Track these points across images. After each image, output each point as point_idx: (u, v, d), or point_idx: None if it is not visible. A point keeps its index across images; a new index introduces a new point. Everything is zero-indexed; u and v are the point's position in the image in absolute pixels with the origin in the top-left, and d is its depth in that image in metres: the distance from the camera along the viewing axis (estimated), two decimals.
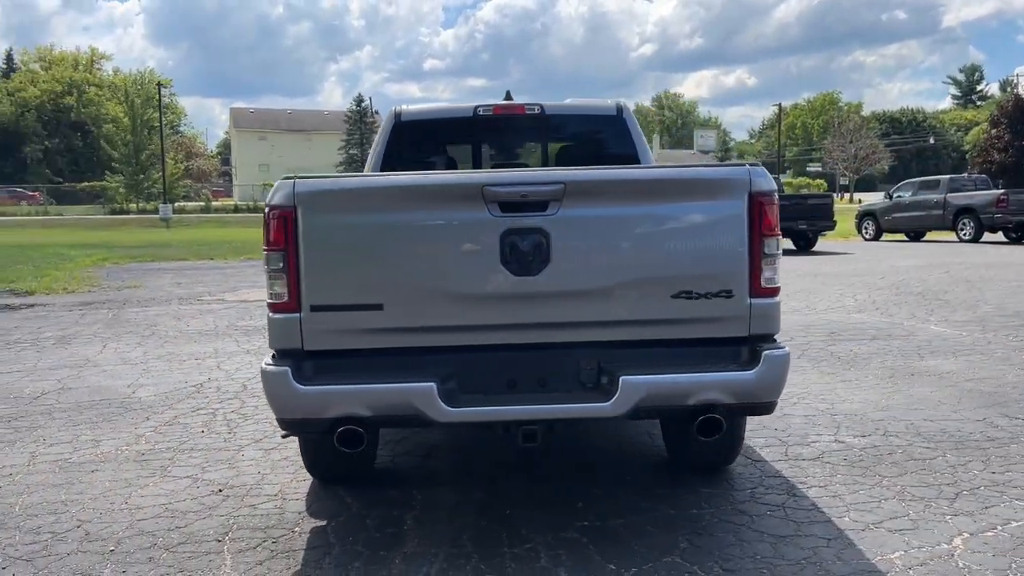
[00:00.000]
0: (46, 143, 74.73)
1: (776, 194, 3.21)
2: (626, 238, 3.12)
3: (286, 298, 3.10)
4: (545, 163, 5.37)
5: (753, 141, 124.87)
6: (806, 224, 20.22)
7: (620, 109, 5.15)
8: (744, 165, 3.18)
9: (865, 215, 26.12)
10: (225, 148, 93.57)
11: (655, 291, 3.13)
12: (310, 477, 4.12)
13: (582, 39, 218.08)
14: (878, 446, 4.50)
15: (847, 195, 68.27)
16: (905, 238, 24.88)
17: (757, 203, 3.13)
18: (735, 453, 4.00)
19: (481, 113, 5.13)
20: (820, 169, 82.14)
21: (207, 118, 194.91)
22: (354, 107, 70.91)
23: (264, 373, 3.08)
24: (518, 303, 3.11)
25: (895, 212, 24.57)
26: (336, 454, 3.93)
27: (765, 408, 3.25)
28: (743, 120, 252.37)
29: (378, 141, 5.15)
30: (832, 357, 6.97)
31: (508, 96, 5.39)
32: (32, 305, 12.02)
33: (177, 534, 3.51)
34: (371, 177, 3.18)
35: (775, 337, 3.27)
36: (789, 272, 14.50)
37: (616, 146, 5.15)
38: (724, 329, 3.18)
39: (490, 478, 4.23)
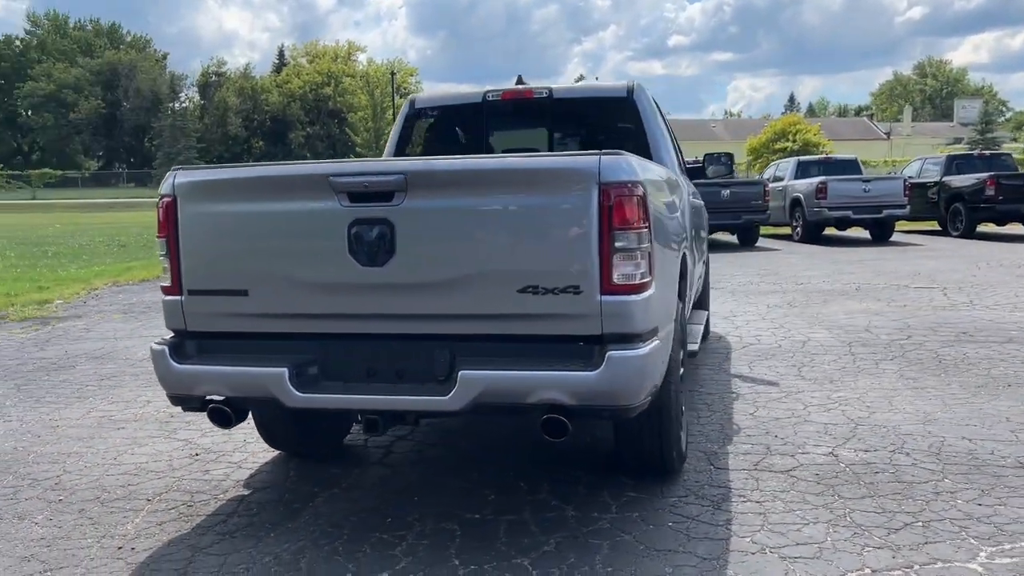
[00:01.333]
0: (308, 130, 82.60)
1: (638, 185, 2.97)
2: (470, 230, 3.03)
3: (170, 282, 3.35)
4: (551, 148, 5.24)
5: None
6: None
7: (631, 91, 4.91)
8: (596, 154, 2.96)
9: None
10: None
11: (501, 285, 3.02)
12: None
13: (840, 5, 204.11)
14: (871, 463, 4.00)
15: None
16: None
17: (608, 195, 2.92)
18: (665, 460, 3.72)
19: (490, 99, 5.12)
20: None
21: None
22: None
23: (151, 350, 3.36)
24: (369, 293, 3.14)
25: None
26: (289, 428, 4.18)
27: (615, 412, 3.03)
28: None
29: (394, 128, 5.30)
30: (933, 360, 6.20)
31: (519, 80, 5.31)
32: None
33: (123, 491, 3.91)
34: (234, 168, 3.33)
35: (640, 336, 3.02)
36: (992, 262, 12.95)
37: (625, 130, 4.93)
38: (574, 326, 3.01)
39: (444, 461, 4.27)
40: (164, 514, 3.62)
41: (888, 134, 70.06)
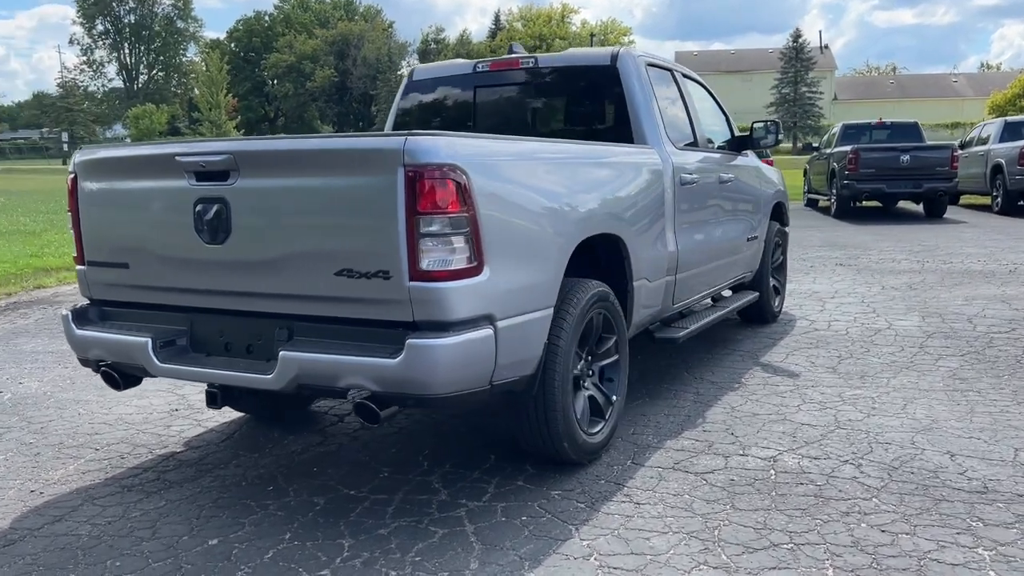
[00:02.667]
0: None
1: (454, 168, 2.82)
2: (289, 210, 3.04)
3: (76, 253, 3.63)
4: (533, 120, 5.02)
5: None
6: None
7: (614, 58, 4.61)
8: (403, 136, 2.83)
9: None
10: None
11: (319, 267, 3.00)
12: None
13: None
14: (806, 472, 3.59)
15: None
16: None
17: (414, 177, 2.80)
18: (558, 451, 3.54)
19: (479, 69, 5.02)
20: None
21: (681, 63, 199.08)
22: (790, 43, 66.86)
23: (60, 315, 3.67)
24: (216, 271, 3.23)
25: None
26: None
27: (420, 401, 2.94)
28: None
29: (395, 99, 5.34)
30: (1011, 360, 5.39)
31: (511, 49, 5.11)
32: None
33: (85, 439, 4.31)
34: (113, 148, 3.53)
35: (456, 325, 2.89)
36: None
37: (607, 100, 4.66)
38: (388, 312, 2.94)
39: (381, 433, 4.32)
40: (96, 463, 3.96)
41: None
